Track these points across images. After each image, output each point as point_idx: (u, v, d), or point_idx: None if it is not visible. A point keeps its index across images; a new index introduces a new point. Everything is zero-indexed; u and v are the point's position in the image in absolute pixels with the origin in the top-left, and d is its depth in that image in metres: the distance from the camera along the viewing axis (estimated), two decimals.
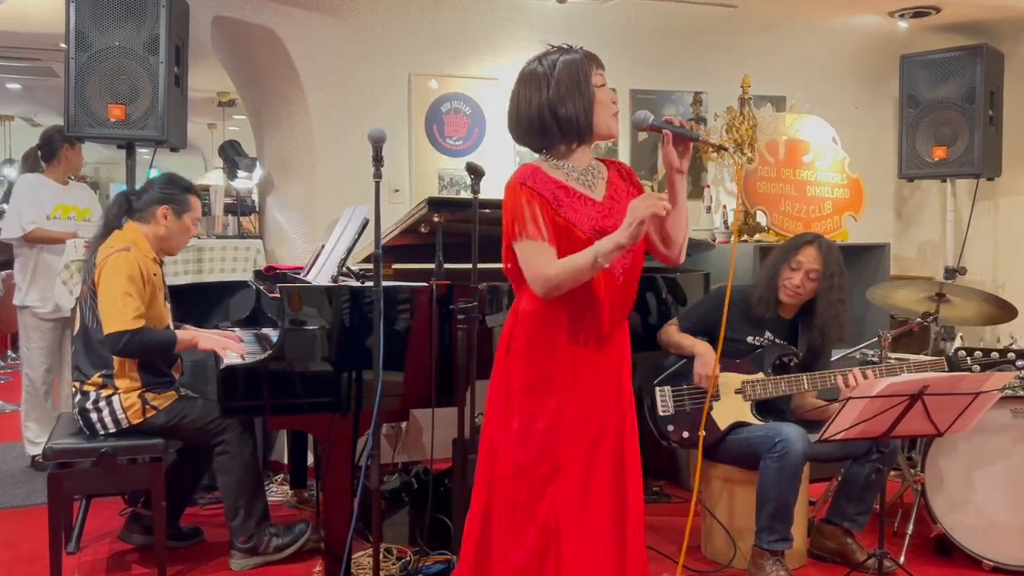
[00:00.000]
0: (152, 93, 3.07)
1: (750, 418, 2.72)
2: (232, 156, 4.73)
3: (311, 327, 2.45)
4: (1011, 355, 2.69)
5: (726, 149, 1.90)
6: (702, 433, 2.25)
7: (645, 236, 1.84)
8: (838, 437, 2.26)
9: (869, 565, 2.60)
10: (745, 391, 2.73)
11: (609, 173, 1.91)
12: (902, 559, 2.75)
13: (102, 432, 2.60)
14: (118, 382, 2.61)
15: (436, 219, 2.71)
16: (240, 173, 4.69)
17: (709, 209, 4.13)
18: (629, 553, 1.86)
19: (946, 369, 2.70)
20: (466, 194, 3.69)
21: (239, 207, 4.55)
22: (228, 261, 3.71)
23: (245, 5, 3.61)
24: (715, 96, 4.29)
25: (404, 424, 3.64)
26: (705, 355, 2.70)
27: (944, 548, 2.82)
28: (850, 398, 2.18)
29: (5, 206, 3.99)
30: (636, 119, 1.86)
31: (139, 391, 2.63)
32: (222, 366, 2.48)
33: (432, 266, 2.72)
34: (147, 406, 2.62)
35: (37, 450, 3.57)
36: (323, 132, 3.79)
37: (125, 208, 2.76)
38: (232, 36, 3.82)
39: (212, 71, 4.63)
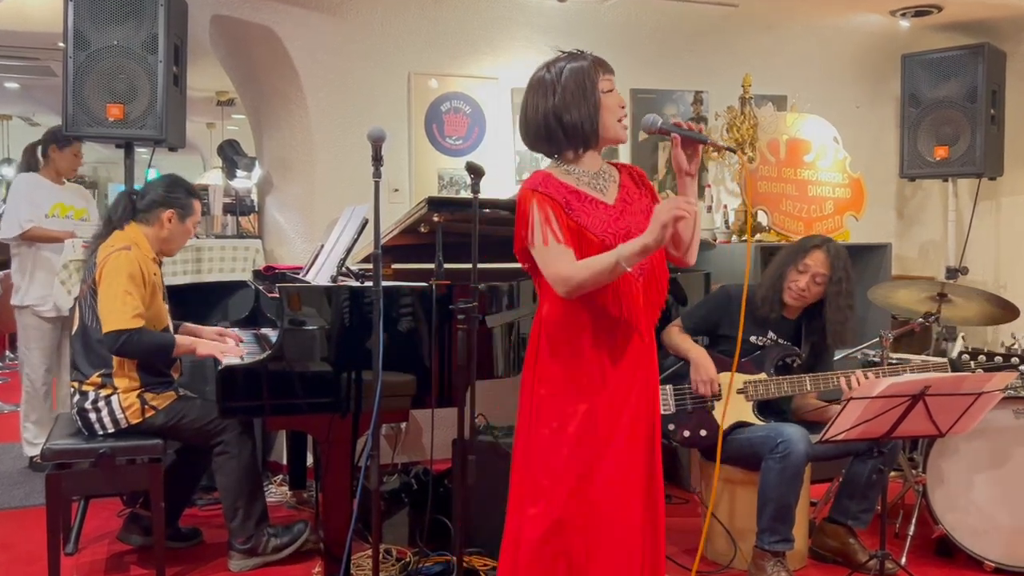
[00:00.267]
0: (151, 92, 3.06)
1: (752, 418, 2.71)
2: (231, 156, 4.72)
3: (310, 327, 2.44)
4: (1015, 360, 2.68)
5: (733, 151, 1.91)
6: (720, 444, 2.24)
7: None
8: (839, 438, 2.25)
9: (870, 566, 2.59)
10: (747, 391, 2.72)
11: (621, 177, 1.93)
12: (903, 560, 2.74)
13: (101, 432, 2.60)
14: (117, 382, 2.61)
15: (436, 219, 2.70)
16: (239, 173, 4.68)
17: (710, 209, 4.12)
18: (656, 556, 1.89)
19: (949, 372, 2.69)
20: (466, 194, 3.68)
21: (238, 207, 4.54)
22: (227, 261, 3.70)
23: (244, 4, 3.60)
24: (716, 95, 4.28)
25: (404, 424, 3.64)
26: (700, 361, 2.70)
27: (946, 549, 2.81)
28: (851, 398, 2.17)
29: (3, 206, 3.98)
30: (645, 123, 1.88)
31: (138, 391, 2.62)
32: (221, 366, 2.47)
33: (432, 266, 2.71)
34: (146, 406, 2.62)
35: (35, 451, 3.56)
36: (322, 131, 3.78)
37: (129, 209, 2.76)
38: (231, 35, 3.81)
39: (211, 70, 4.62)
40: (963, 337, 3.48)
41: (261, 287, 3.28)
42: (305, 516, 3.21)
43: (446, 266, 2.69)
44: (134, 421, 2.60)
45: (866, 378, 2.59)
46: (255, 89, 4.04)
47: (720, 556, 2.81)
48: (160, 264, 2.81)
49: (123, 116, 3.04)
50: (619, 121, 1.85)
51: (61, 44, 3.04)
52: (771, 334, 2.80)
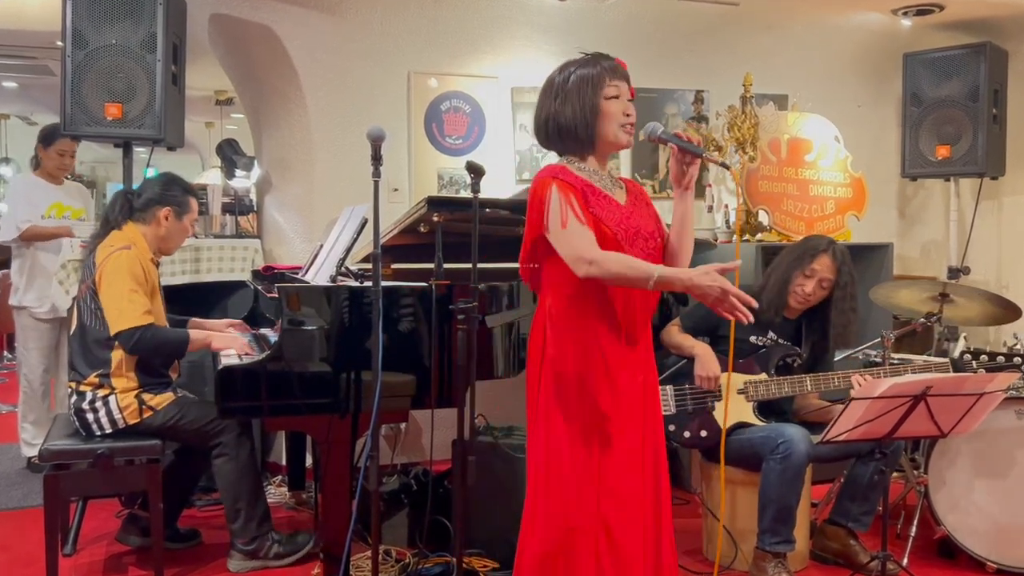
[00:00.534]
0: (149, 91, 3.05)
1: (752, 419, 2.70)
2: (230, 155, 4.71)
3: (309, 327, 2.43)
4: (1017, 359, 2.67)
5: (727, 167, 1.91)
6: (723, 448, 2.24)
7: None
8: (841, 438, 2.24)
9: (872, 567, 2.58)
10: (748, 392, 2.71)
11: (627, 185, 1.98)
12: (905, 561, 2.73)
13: (98, 433, 2.59)
14: (115, 382, 2.60)
15: (435, 218, 2.69)
16: (238, 172, 4.66)
17: (711, 208, 4.11)
18: (664, 554, 1.89)
19: (951, 372, 2.68)
20: (466, 193, 3.67)
21: (237, 206, 4.53)
22: (226, 261, 3.69)
23: (243, 3, 3.59)
24: (717, 94, 4.27)
25: (403, 425, 3.62)
26: (704, 357, 2.68)
27: (947, 550, 2.80)
28: (853, 399, 2.17)
29: (3, 206, 3.97)
30: (646, 130, 1.91)
31: (136, 391, 2.61)
32: (219, 367, 2.46)
33: (431, 266, 2.70)
34: (144, 407, 2.61)
35: (33, 451, 3.55)
36: (322, 131, 3.77)
37: (125, 207, 2.75)
38: (230, 34, 3.80)
39: (210, 69, 4.61)
40: (965, 337, 3.47)
41: (260, 287, 3.28)
42: (304, 517, 3.20)
43: (446, 266, 2.68)
44: (132, 422, 2.60)
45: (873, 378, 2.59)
46: (254, 88, 4.02)
47: (721, 557, 2.79)
48: (158, 264, 2.80)
49: (121, 115, 3.03)
50: (622, 128, 1.86)
51: (59, 43, 3.03)
52: (771, 334, 2.79)
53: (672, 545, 1.93)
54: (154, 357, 2.66)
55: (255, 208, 4.49)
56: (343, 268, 2.71)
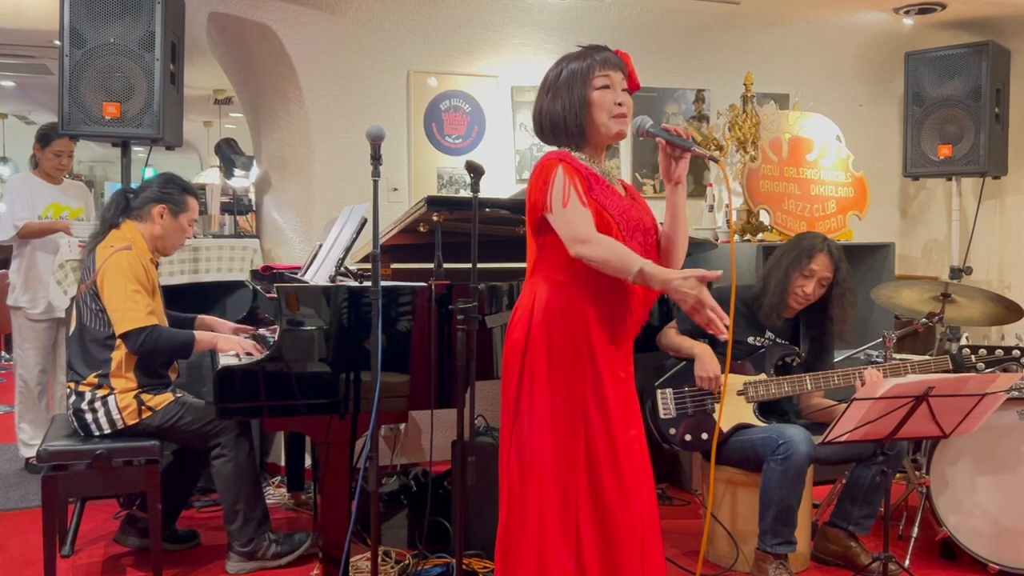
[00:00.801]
0: (147, 90, 3.05)
1: (753, 419, 2.69)
2: (228, 154, 4.70)
3: (308, 328, 2.42)
4: (1016, 352, 2.66)
5: (716, 160, 1.89)
6: (715, 444, 2.23)
7: None
8: (843, 439, 2.23)
9: (873, 569, 2.58)
10: (748, 392, 2.70)
11: (622, 183, 1.98)
12: (907, 562, 2.72)
13: (97, 433, 2.58)
14: (114, 382, 2.59)
15: (435, 218, 2.68)
16: (237, 172, 4.66)
17: (712, 208, 4.10)
18: (648, 552, 1.87)
19: (951, 367, 2.67)
20: (465, 193, 3.66)
21: (236, 206, 4.52)
22: (225, 261, 3.68)
23: (242, 1, 3.58)
24: (718, 93, 4.26)
25: (403, 426, 3.62)
26: (704, 356, 2.67)
27: (949, 551, 2.79)
28: (855, 399, 2.15)
29: (1, 205, 3.96)
30: (634, 124, 1.89)
31: (135, 392, 2.60)
32: (218, 367, 2.45)
33: (431, 266, 2.69)
34: (143, 407, 2.59)
35: (31, 452, 3.54)
36: (321, 130, 3.76)
37: (123, 206, 2.75)
38: (228, 33, 3.78)
39: (208, 68, 4.60)
40: (967, 337, 3.45)
41: (259, 287, 3.26)
42: (303, 518, 3.19)
43: (445, 266, 2.67)
44: (131, 422, 2.58)
45: (880, 375, 2.58)
46: (253, 87, 4.01)
47: (722, 559, 2.78)
48: (157, 265, 2.79)
49: (119, 114, 3.03)
50: (613, 118, 1.84)
51: (57, 42, 3.02)
52: (769, 334, 2.78)
53: (659, 541, 1.91)
54: (158, 358, 2.65)
55: (254, 208, 4.48)
56: (342, 268, 2.70)
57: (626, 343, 1.91)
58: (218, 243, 3.73)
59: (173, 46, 3.15)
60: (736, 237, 3.94)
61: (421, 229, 2.78)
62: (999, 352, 2.66)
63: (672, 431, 2.73)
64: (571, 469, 1.80)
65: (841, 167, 4.04)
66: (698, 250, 3.35)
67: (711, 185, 4.18)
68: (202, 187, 4.07)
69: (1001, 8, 4.02)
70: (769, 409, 2.75)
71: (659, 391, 2.76)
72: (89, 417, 2.57)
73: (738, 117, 3.92)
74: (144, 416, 2.59)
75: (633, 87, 1.90)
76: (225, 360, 2.53)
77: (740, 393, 2.70)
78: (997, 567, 2.68)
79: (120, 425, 2.58)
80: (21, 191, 3.74)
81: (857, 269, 3.95)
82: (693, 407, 2.72)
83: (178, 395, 2.69)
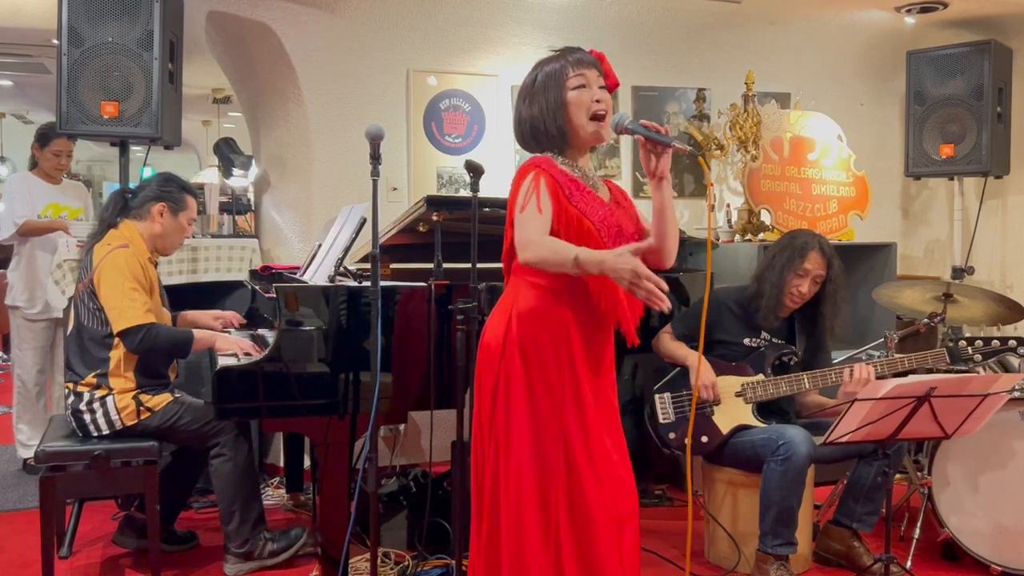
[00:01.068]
0: (146, 90, 3.04)
1: (752, 420, 2.68)
2: (227, 154, 4.70)
3: (308, 328, 2.41)
4: (1012, 342, 2.64)
5: (696, 153, 1.86)
6: (689, 441, 2.22)
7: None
8: (844, 439, 2.22)
9: (875, 570, 2.57)
10: (746, 394, 2.69)
11: (608, 185, 1.96)
12: (909, 564, 2.71)
13: (95, 434, 2.57)
14: (112, 383, 2.58)
15: (434, 218, 2.68)
16: (235, 171, 4.66)
17: (713, 208, 4.08)
18: (626, 551, 1.85)
19: (947, 360, 2.67)
20: (465, 192, 3.64)
21: (235, 206, 4.53)
22: (223, 260, 3.67)
23: (240, 0, 3.57)
24: (719, 93, 4.24)
25: (402, 427, 3.61)
26: (699, 365, 2.67)
27: (951, 552, 2.78)
28: (856, 399, 2.14)
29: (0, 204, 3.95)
30: (612, 120, 1.85)
31: (133, 392, 2.59)
32: (217, 367, 2.44)
33: (430, 266, 2.68)
34: (141, 407, 2.58)
35: (29, 453, 3.53)
36: (320, 129, 3.75)
37: (121, 205, 2.74)
38: (227, 32, 3.77)
39: (207, 67, 4.59)
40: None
41: (258, 287, 3.25)
42: (302, 519, 3.18)
43: (445, 266, 2.66)
44: (129, 423, 2.57)
45: (867, 370, 2.58)
46: (252, 86, 4.00)
47: (723, 560, 2.77)
48: (156, 264, 2.78)
49: (118, 114, 3.02)
50: (592, 118, 1.81)
51: (55, 41, 3.01)
52: (765, 334, 2.77)
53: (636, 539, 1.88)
54: (157, 356, 2.64)
55: (253, 207, 4.48)
56: (341, 268, 2.69)
57: (608, 347, 1.88)
58: (217, 243, 3.73)
59: (172, 45, 3.14)
60: (737, 237, 3.92)
61: (421, 229, 2.78)
62: (995, 343, 2.65)
63: (672, 435, 2.72)
64: (550, 473, 1.78)
65: (842, 167, 4.02)
66: (699, 250, 3.34)
67: (712, 185, 4.16)
68: (201, 187, 4.07)
69: (1003, 7, 4.00)
70: (769, 409, 2.74)
71: (657, 396, 2.75)
72: (87, 418, 2.56)
73: (739, 116, 3.91)
74: (143, 417, 2.58)
75: (612, 85, 1.87)
76: (224, 360, 2.52)
77: (738, 394, 2.69)
78: (999, 568, 2.67)
79: (118, 426, 2.57)
80: (20, 190, 3.73)
81: (859, 269, 3.94)
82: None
83: (177, 395, 2.68)
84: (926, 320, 3.01)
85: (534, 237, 1.72)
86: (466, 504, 2.18)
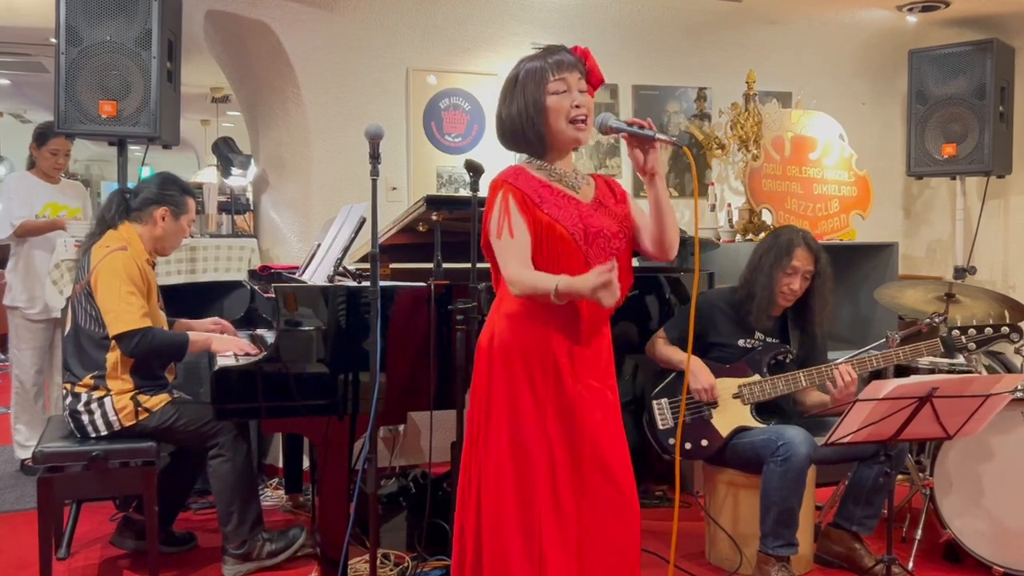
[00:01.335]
0: (144, 89, 3.03)
1: (751, 421, 2.67)
2: (226, 153, 4.69)
3: (307, 328, 2.40)
4: (1004, 328, 2.63)
5: (679, 146, 1.83)
6: (677, 442, 2.21)
7: (635, 239, 1.88)
8: (846, 440, 2.21)
9: (877, 571, 2.55)
10: (743, 395, 2.68)
11: (597, 182, 1.92)
12: (910, 565, 2.71)
13: (93, 435, 2.56)
14: (110, 383, 2.57)
15: (434, 217, 2.67)
16: (234, 170, 4.65)
17: (713, 207, 4.07)
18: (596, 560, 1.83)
19: (942, 350, 2.67)
20: (465, 192, 3.64)
21: (233, 205, 4.52)
22: (222, 260, 3.66)
23: None
24: (720, 92, 4.23)
25: (402, 427, 3.60)
26: (696, 370, 2.68)
27: (953, 554, 2.77)
28: (858, 400, 2.13)
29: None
30: (596, 122, 1.84)
31: (131, 393, 2.58)
32: (216, 368, 2.43)
33: (430, 265, 2.67)
34: (139, 408, 2.57)
35: (27, 453, 3.52)
36: (319, 129, 3.73)
37: (122, 207, 2.72)
38: (226, 30, 3.76)
39: (205, 66, 4.57)
40: None
41: (257, 287, 3.24)
42: (301, 520, 3.17)
43: (445, 265, 2.65)
44: (127, 423, 2.56)
45: (850, 372, 2.59)
46: (250, 85, 3.99)
47: (724, 561, 2.76)
48: (153, 265, 2.77)
49: (116, 113, 3.01)
50: (572, 123, 1.79)
51: (53, 40, 3.00)
52: (758, 335, 2.76)
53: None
54: (153, 360, 2.63)
55: (251, 207, 4.46)
56: (341, 268, 2.68)
57: (604, 352, 1.86)
58: (215, 243, 3.71)
59: (170, 44, 3.13)
60: (738, 237, 3.91)
61: (420, 228, 2.77)
62: (988, 331, 2.63)
63: (671, 441, 2.71)
64: (533, 478, 1.77)
65: (844, 166, 4.01)
66: (700, 249, 3.31)
67: (712, 184, 4.15)
68: (199, 186, 4.07)
69: (1005, 5, 3.99)
70: (768, 410, 2.73)
71: (655, 401, 2.75)
72: (85, 418, 2.55)
73: (740, 115, 3.90)
74: (141, 417, 2.57)
75: (596, 82, 1.84)
76: (222, 361, 2.51)
77: (736, 396, 2.69)
78: (1002, 570, 2.66)
79: (117, 426, 2.56)
80: (18, 190, 3.72)
81: (860, 269, 3.93)
82: (691, 416, 2.70)
83: (175, 396, 2.67)
84: (928, 320, 3.00)
85: (514, 274, 1.73)
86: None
